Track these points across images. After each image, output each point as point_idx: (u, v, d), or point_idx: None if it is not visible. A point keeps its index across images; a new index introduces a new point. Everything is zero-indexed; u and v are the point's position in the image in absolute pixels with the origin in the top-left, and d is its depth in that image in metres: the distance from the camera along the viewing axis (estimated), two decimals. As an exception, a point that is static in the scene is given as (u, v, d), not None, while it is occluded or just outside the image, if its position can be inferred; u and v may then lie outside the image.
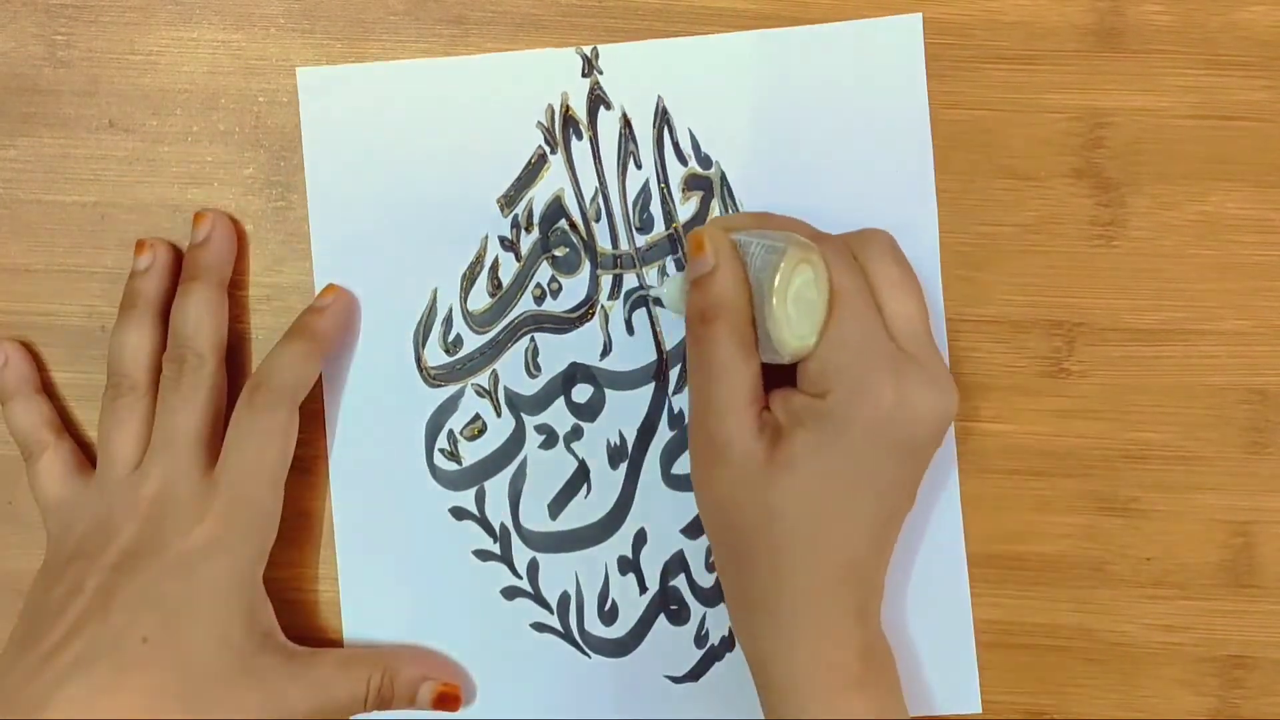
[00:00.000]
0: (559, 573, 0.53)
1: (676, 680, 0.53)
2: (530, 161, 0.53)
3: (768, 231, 0.48)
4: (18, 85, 0.53)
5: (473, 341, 0.53)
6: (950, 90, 0.52)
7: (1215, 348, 0.52)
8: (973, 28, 0.52)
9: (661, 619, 0.53)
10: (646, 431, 0.53)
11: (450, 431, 0.53)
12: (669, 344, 0.53)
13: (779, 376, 0.48)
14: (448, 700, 0.51)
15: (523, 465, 0.53)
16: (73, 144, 0.53)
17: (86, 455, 0.52)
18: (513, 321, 0.53)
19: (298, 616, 0.53)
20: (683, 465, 0.53)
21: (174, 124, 0.53)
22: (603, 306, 0.53)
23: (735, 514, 0.47)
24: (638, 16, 0.52)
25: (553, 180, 0.53)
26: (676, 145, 0.53)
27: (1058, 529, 0.52)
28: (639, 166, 0.53)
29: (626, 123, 0.53)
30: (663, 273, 0.53)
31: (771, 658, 0.47)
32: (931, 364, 0.47)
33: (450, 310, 0.53)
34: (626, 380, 0.53)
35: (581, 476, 0.53)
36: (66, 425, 0.53)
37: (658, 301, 0.52)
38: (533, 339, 0.53)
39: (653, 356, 0.53)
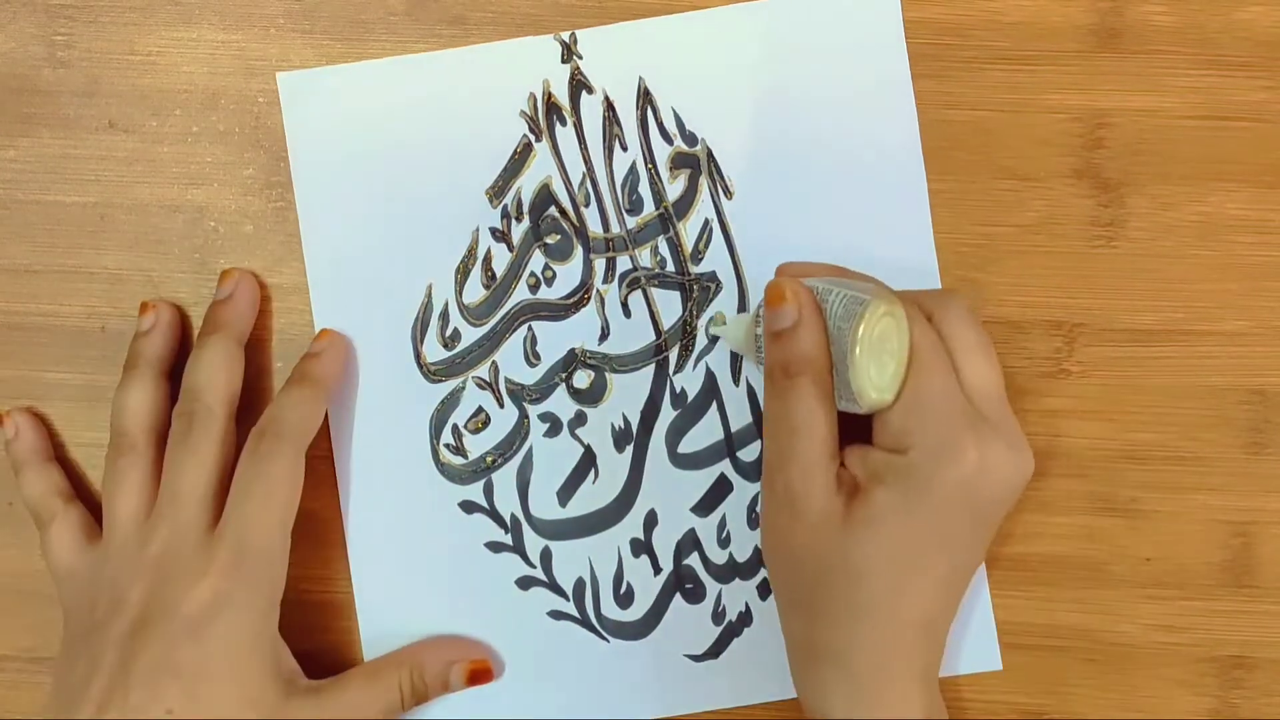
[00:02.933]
0: (572, 559, 0.53)
1: (697, 659, 0.53)
2: (516, 151, 0.53)
3: (849, 281, 0.48)
4: (18, 85, 0.53)
5: (470, 334, 0.53)
6: (950, 90, 0.52)
7: (1215, 348, 0.52)
8: (973, 28, 0.52)
9: (677, 599, 0.53)
10: (650, 412, 0.53)
11: (454, 426, 0.53)
12: (666, 324, 0.53)
13: (849, 430, 0.47)
14: (480, 675, 0.51)
15: (529, 454, 0.53)
16: (73, 144, 0.53)
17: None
18: (509, 312, 0.53)
19: (306, 618, 0.53)
20: (689, 444, 0.53)
21: (174, 124, 0.53)
22: (598, 291, 0.53)
23: (811, 568, 0.46)
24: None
25: (539, 168, 0.53)
26: (661, 124, 0.53)
27: (1058, 529, 0.52)
28: (625, 148, 0.53)
29: (609, 106, 0.53)
30: (655, 253, 0.53)
31: (835, 711, 0.46)
32: (1009, 429, 0.47)
33: (446, 305, 0.53)
34: (627, 362, 0.53)
35: (588, 462, 0.53)
36: (65, 428, 0.53)
37: (713, 339, 0.52)
38: (530, 328, 0.53)
39: (651, 337, 0.53)
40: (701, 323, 0.53)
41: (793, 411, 0.46)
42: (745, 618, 0.53)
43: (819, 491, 0.46)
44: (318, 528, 0.53)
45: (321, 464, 0.53)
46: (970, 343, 0.47)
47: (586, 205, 0.53)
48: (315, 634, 0.53)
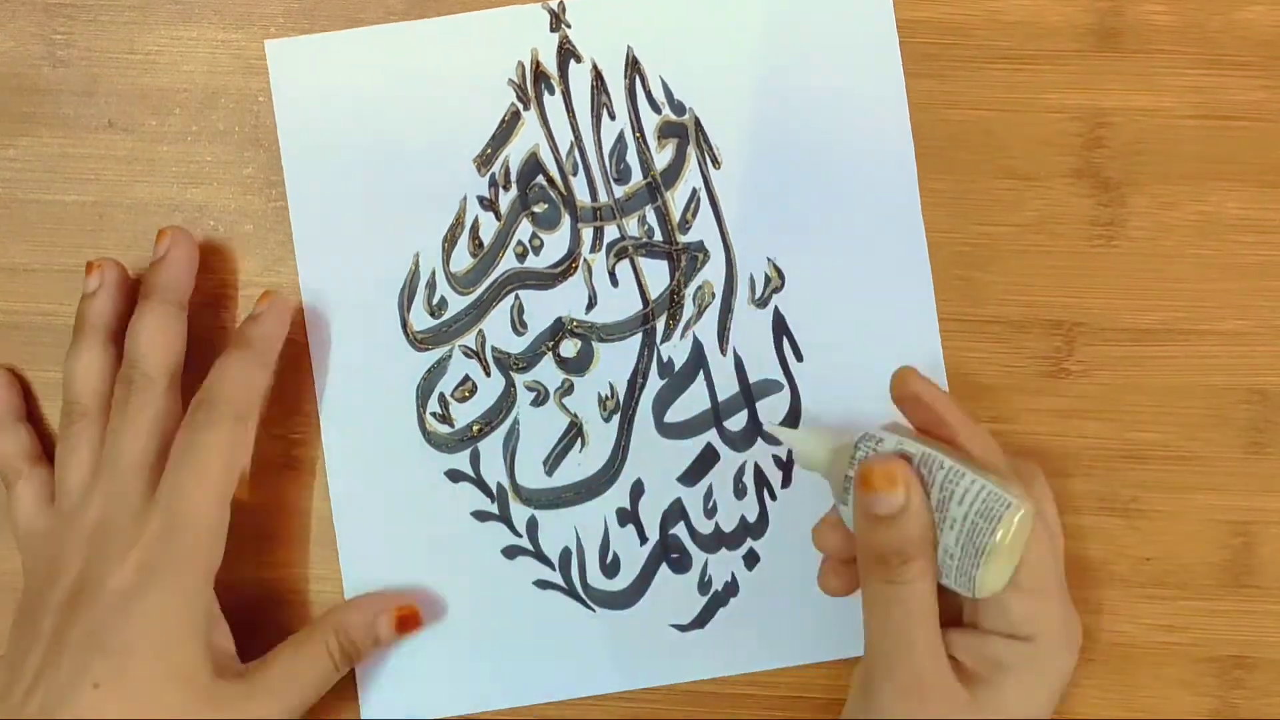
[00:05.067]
0: (558, 529, 0.53)
1: (683, 629, 0.53)
2: (504, 119, 0.53)
3: (975, 466, 0.45)
4: (18, 85, 0.53)
5: (457, 303, 0.53)
6: (950, 90, 0.52)
7: (1215, 348, 0.52)
8: (973, 28, 0.52)
9: (663, 568, 0.53)
10: (637, 382, 0.53)
11: (441, 394, 0.53)
12: (653, 293, 0.53)
13: None
14: (408, 621, 0.51)
15: (515, 423, 0.53)
16: (72, 144, 0.53)
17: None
18: (496, 280, 0.53)
19: (298, 616, 0.53)
20: (675, 413, 0.53)
21: (174, 124, 0.53)
22: (585, 260, 0.53)
23: None
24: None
25: (527, 137, 0.53)
26: (649, 94, 0.53)
27: (1058, 529, 0.52)
28: (613, 117, 0.53)
29: (598, 74, 0.53)
30: (643, 222, 0.53)
31: None
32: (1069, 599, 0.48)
33: (433, 273, 0.53)
34: (614, 332, 0.53)
35: (575, 431, 0.53)
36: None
37: (774, 440, 0.52)
38: (517, 297, 0.53)
39: (638, 306, 0.53)
40: (729, 355, 0.52)
41: (911, 598, 0.45)
42: (731, 588, 0.53)
43: (947, 678, 0.45)
44: (304, 524, 0.53)
45: (312, 463, 0.53)
46: (1053, 519, 0.48)
47: (574, 174, 0.53)
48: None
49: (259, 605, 0.51)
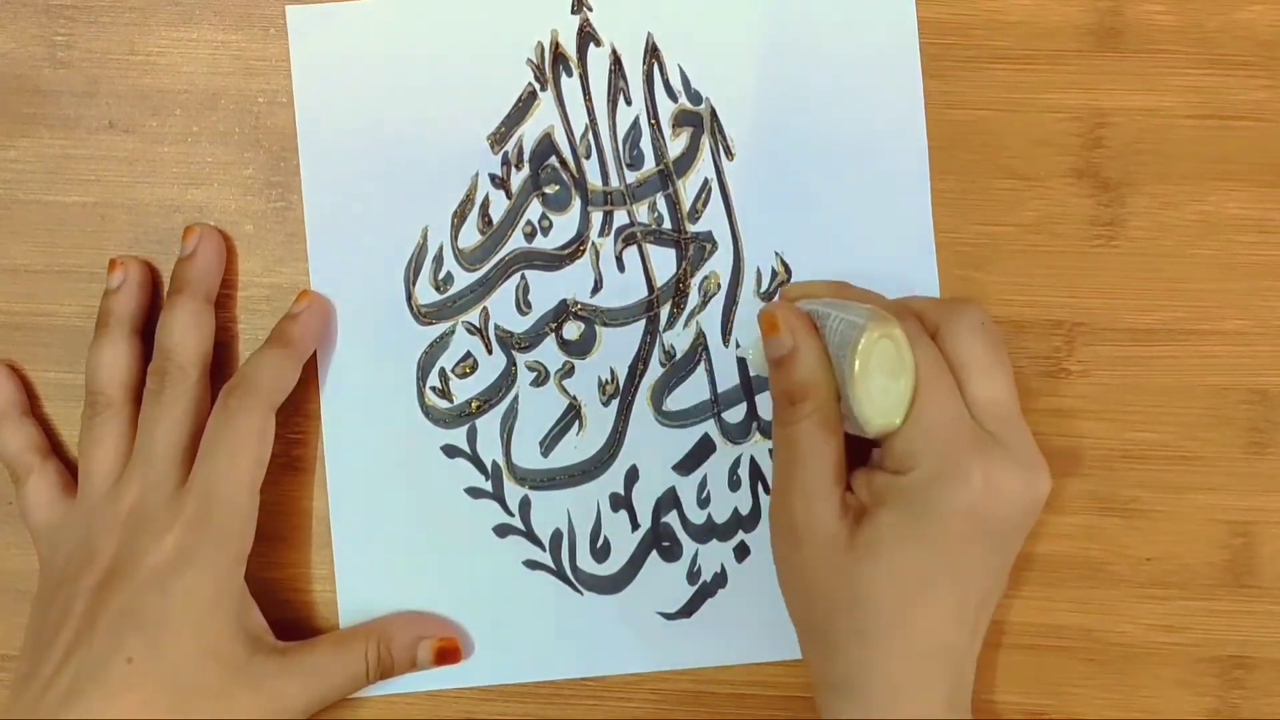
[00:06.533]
0: (551, 510, 0.53)
1: (669, 617, 0.53)
2: (520, 98, 0.53)
3: (846, 303, 0.47)
4: (18, 85, 0.53)
5: (463, 279, 0.53)
6: (950, 90, 0.52)
7: (1215, 348, 0.52)
8: (973, 27, 0.52)
9: (653, 556, 0.53)
10: (638, 368, 0.53)
11: (441, 369, 0.53)
12: (659, 280, 0.53)
13: (861, 452, 0.47)
14: (448, 654, 0.51)
15: (514, 402, 0.53)
16: (73, 144, 0.53)
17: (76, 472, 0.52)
18: (503, 259, 0.53)
19: (297, 617, 0.53)
20: (674, 402, 0.53)
21: (174, 124, 0.53)
22: (593, 243, 0.53)
23: (819, 597, 0.46)
24: None
25: (543, 117, 0.53)
26: (666, 81, 0.53)
27: (1058, 529, 0.52)
28: (629, 103, 0.53)
29: (616, 59, 0.53)
30: (653, 209, 0.53)
31: None
32: (1020, 447, 0.46)
33: (441, 248, 0.53)
34: (617, 317, 0.53)
35: (573, 413, 0.53)
36: (63, 428, 0.53)
37: (743, 360, 0.52)
38: (523, 276, 0.53)
39: (644, 293, 0.53)
40: (731, 346, 0.53)
41: (797, 439, 0.46)
42: (720, 579, 0.53)
43: (821, 519, 0.45)
44: (307, 524, 0.53)
45: (313, 461, 0.53)
46: (978, 359, 0.46)
47: (587, 157, 0.53)
48: (300, 631, 0.53)
49: (259, 605, 0.50)
